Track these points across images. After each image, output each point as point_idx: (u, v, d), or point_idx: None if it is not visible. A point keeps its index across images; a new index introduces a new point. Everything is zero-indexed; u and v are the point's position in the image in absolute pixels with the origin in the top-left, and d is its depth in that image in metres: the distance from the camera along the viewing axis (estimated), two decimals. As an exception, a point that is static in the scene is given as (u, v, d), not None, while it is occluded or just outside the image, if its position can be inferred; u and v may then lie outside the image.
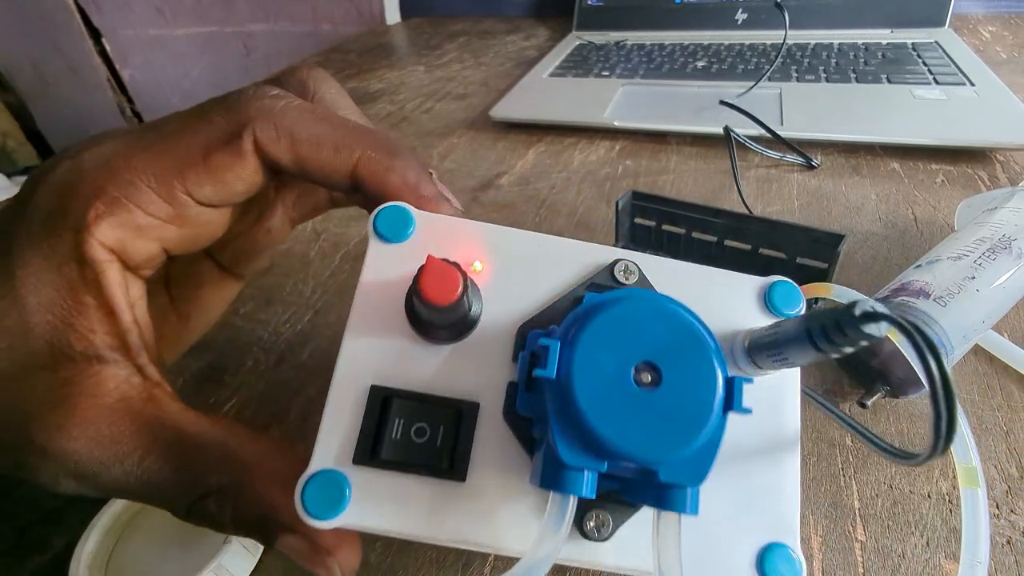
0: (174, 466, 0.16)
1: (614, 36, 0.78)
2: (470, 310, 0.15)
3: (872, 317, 0.12)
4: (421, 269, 0.14)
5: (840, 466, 0.25)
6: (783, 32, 0.58)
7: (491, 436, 0.15)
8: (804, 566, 0.15)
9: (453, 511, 0.15)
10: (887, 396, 0.27)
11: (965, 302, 0.26)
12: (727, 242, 0.32)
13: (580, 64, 0.70)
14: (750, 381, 0.14)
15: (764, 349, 0.15)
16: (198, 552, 0.22)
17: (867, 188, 0.44)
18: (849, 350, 0.13)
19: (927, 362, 0.12)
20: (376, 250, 0.16)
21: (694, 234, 0.33)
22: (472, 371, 0.16)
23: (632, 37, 0.77)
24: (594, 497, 0.13)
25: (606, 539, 0.15)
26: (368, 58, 0.88)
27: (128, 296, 0.17)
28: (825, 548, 0.22)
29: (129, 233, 0.17)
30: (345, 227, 0.45)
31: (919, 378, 0.26)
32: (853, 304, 0.13)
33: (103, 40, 0.78)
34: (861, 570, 0.21)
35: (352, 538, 0.16)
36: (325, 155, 0.17)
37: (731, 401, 0.13)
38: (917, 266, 0.29)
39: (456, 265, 0.14)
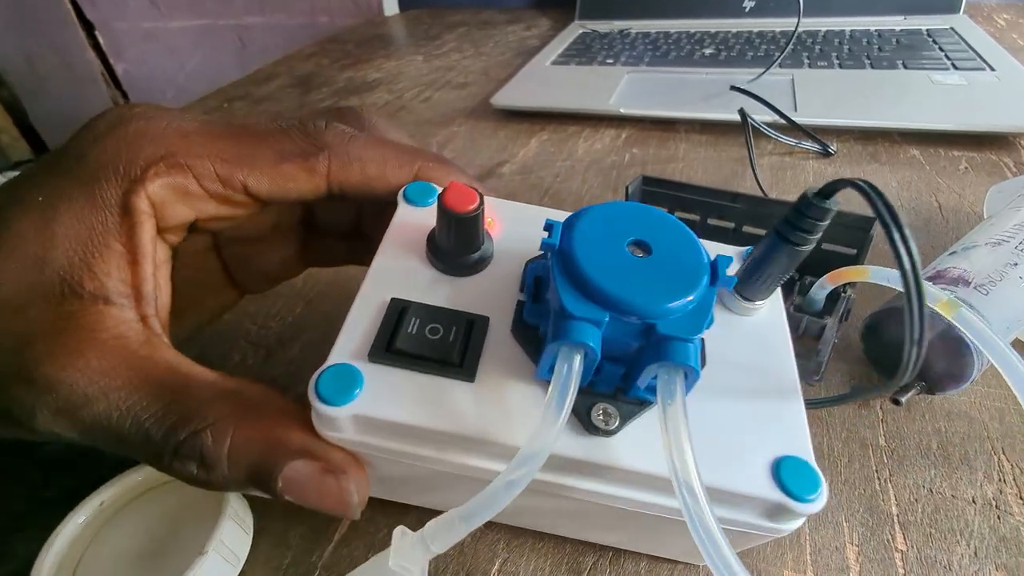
0: (164, 403, 0.16)
1: (618, 24, 0.76)
2: (483, 243, 0.18)
3: (826, 192, 0.14)
4: (445, 188, 0.16)
5: (874, 468, 0.23)
6: (793, 19, 0.56)
7: (500, 347, 0.16)
8: (825, 482, 0.15)
9: (462, 406, 0.15)
10: (922, 392, 0.24)
11: (1008, 290, 0.24)
12: (745, 228, 0.30)
13: (583, 52, 0.68)
14: (730, 260, 0.15)
15: (747, 276, 0.17)
16: (171, 566, 0.20)
17: (887, 175, 0.42)
18: (816, 235, 0.15)
19: (887, 225, 0.13)
20: (403, 209, 0.20)
21: (710, 221, 0.31)
22: (484, 296, 0.18)
23: (636, 25, 0.75)
24: (599, 354, 0.14)
25: (613, 432, 0.15)
26: (366, 48, 0.86)
27: (155, 252, 0.18)
28: (863, 558, 0.20)
29: (174, 195, 0.18)
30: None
31: (957, 373, 0.24)
32: (807, 190, 0.15)
33: (96, 33, 0.76)
34: (904, 583, 0.19)
35: (360, 467, 0.17)
36: (390, 171, 0.21)
37: (716, 276, 0.15)
38: (951, 253, 0.27)
39: (479, 193, 0.17)
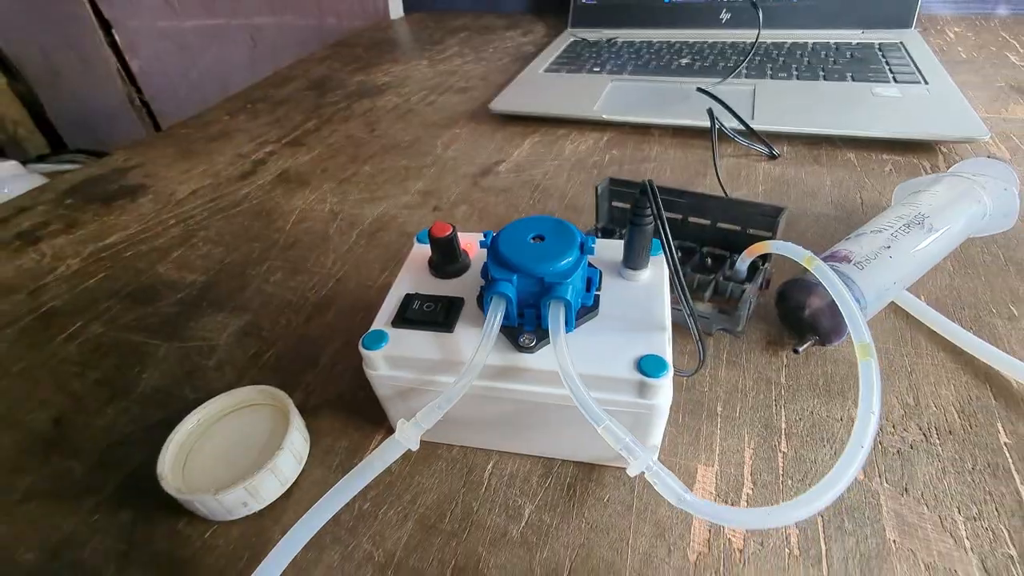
0: None
1: (607, 33, 0.83)
2: (460, 257, 0.29)
3: (642, 189, 0.24)
4: (432, 225, 0.27)
5: (774, 398, 0.30)
6: (766, 31, 0.63)
7: (470, 313, 0.27)
8: (671, 366, 0.23)
9: (444, 344, 0.25)
10: (816, 344, 0.32)
11: (879, 267, 0.31)
12: (691, 219, 0.37)
13: (573, 60, 0.75)
14: (594, 240, 0.25)
15: (626, 253, 0.27)
16: (255, 459, 0.27)
17: (824, 176, 0.49)
18: (648, 217, 0.25)
19: (654, 209, 0.24)
20: (416, 246, 0.31)
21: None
22: (463, 287, 0.28)
23: (623, 35, 0.82)
24: (515, 299, 0.23)
25: (532, 350, 0.24)
26: (375, 52, 0.93)
27: None
28: (755, 457, 0.28)
29: None
30: (360, 208, 0.51)
31: (839, 329, 0.31)
32: (638, 190, 0.25)
33: (113, 31, 0.82)
34: (781, 472, 0.27)
35: None
36: None
37: (584, 248, 0.24)
38: (848, 238, 0.34)
39: (452, 225, 0.28)
